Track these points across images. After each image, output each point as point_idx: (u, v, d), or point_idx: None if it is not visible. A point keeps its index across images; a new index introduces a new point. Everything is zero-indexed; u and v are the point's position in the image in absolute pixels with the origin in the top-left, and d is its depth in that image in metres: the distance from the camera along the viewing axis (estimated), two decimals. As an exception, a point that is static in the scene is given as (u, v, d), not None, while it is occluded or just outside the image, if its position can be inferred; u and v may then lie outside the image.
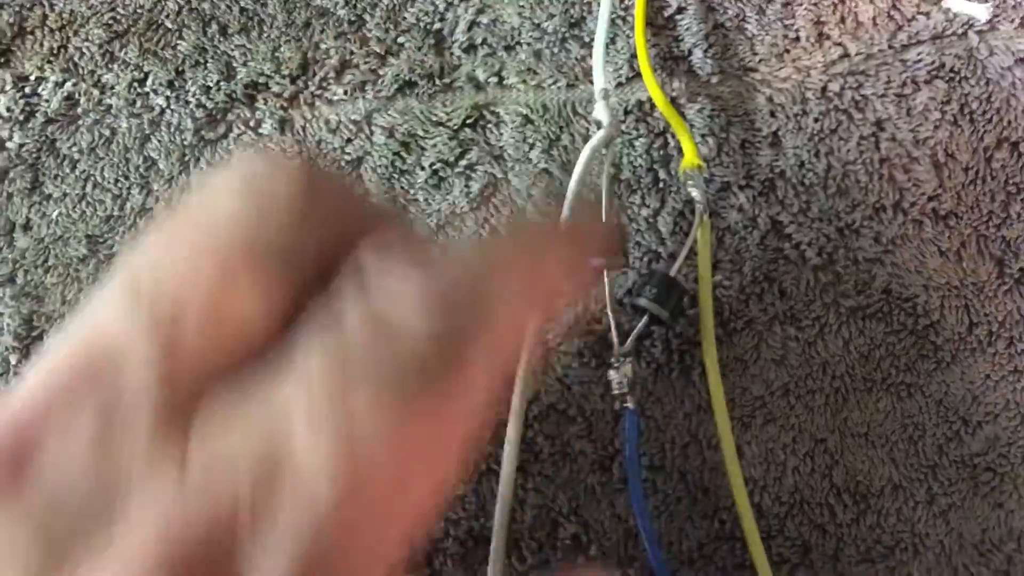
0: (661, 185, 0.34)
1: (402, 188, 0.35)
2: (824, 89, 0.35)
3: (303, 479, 0.15)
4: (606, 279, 0.32)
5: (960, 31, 0.36)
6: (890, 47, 0.36)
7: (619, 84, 0.36)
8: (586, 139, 0.35)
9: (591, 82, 0.36)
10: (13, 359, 0.33)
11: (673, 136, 0.35)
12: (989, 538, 0.31)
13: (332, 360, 0.16)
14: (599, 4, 0.36)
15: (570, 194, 0.31)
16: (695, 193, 0.33)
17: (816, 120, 0.35)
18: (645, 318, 0.31)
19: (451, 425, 0.18)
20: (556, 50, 0.36)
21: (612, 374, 0.31)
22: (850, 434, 0.32)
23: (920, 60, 0.35)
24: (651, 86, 0.34)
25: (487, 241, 0.23)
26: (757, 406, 0.32)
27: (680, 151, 0.34)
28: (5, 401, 0.16)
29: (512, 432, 0.29)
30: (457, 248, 0.22)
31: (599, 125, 0.33)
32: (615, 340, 0.31)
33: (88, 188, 0.35)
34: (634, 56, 0.36)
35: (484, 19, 0.37)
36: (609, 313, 0.31)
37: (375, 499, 0.16)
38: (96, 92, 0.36)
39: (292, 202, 0.18)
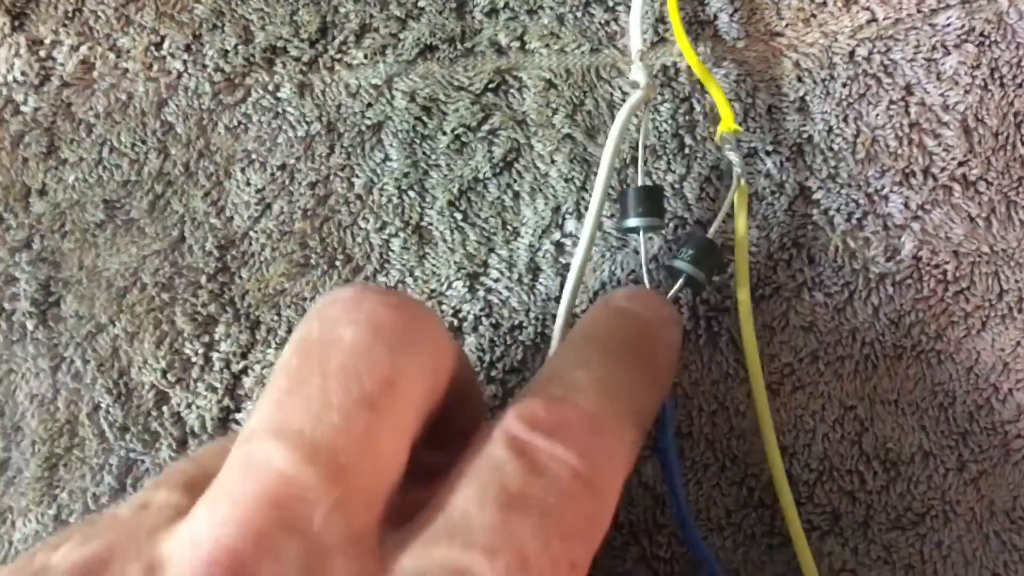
0: (687, 151, 0.34)
1: (423, 153, 0.34)
2: (852, 54, 0.35)
3: None
4: (642, 239, 0.31)
5: (990, -5, 0.35)
6: (919, 11, 0.35)
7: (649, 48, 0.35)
8: (610, 104, 0.35)
9: (615, 46, 0.35)
10: (30, 325, 0.33)
11: (699, 101, 0.34)
12: (1020, 505, 0.30)
13: (504, 501, 0.20)
14: (623, -33, 0.35)
15: (607, 155, 0.31)
16: (733, 157, 0.32)
17: (844, 85, 0.34)
18: (681, 280, 0.31)
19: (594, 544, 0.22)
20: (579, 14, 0.36)
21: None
22: (880, 401, 0.31)
23: (949, 24, 0.35)
24: (685, 48, 0.34)
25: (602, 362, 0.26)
26: (786, 373, 0.31)
27: (707, 116, 0.34)
28: (208, 549, 0.18)
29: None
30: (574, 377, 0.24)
31: (635, 86, 0.33)
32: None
33: (104, 153, 0.35)
34: (659, 20, 0.35)
35: (506, -18, 0.36)
36: (644, 274, 0.31)
37: None
38: (112, 56, 0.36)
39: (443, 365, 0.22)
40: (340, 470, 0.19)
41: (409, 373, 0.21)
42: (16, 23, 0.36)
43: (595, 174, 0.33)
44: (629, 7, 0.36)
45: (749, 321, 0.31)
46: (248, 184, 0.34)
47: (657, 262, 0.33)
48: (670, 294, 0.30)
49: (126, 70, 0.35)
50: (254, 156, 0.34)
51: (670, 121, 0.34)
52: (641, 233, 0.31)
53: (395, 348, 0.20)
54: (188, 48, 0.36)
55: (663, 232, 0.33)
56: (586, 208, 0.33)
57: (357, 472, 0.19)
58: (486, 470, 0.21)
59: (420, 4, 0.36)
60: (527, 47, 0.36)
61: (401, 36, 0.36)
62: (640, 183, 0.32)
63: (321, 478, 0.19)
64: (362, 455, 0.19)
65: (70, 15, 0.36)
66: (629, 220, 0.31)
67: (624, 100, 0.35)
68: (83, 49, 0.36)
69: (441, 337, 0.22)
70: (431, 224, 0.33)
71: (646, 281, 0.31)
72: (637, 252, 0.32)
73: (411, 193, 0.34)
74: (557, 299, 0.32)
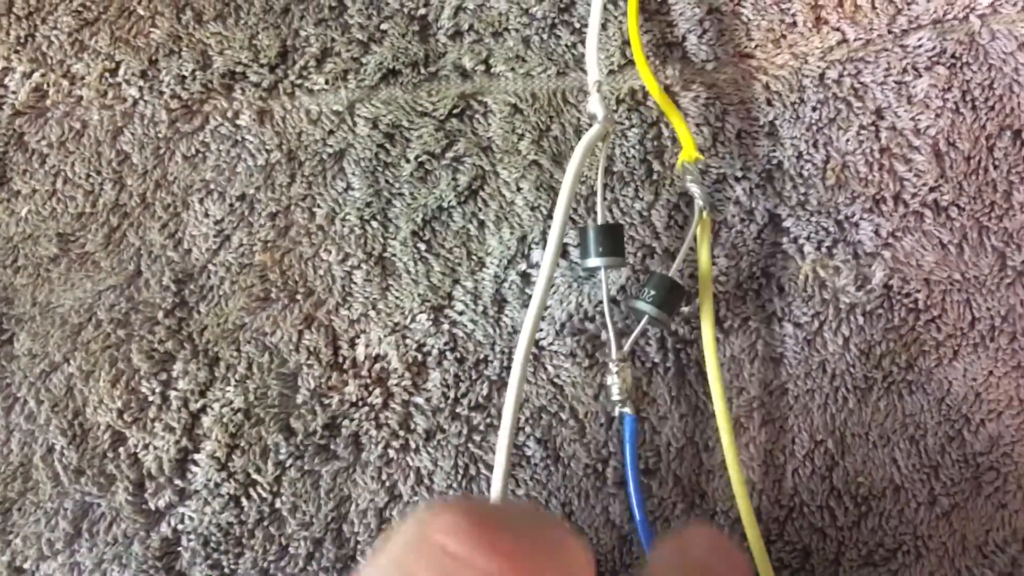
0: (655, 177, 0.33)
1: (387, 182, 0.33)
2: (822, 76, 0.34)
3: None
4: (603, 277, 0.31)
5: (961, 15, 0.34)
6: (890, 32, 0.34)
7: (610, 72, 0.35)
8: (577, 130, 0.34)
9: (582, 69, 0.35)
10: (-17, 364, 0.32)
11: (667, 125, 0.34)
12: (993, 539, 0.30)
13: None
14: (589, -12, 0.35)
15: (565, 190, 0.30)
16: (694, 189, 0.31)
17: (814, 109, 0.34)
18: (643, 322, 0.30)
19: None
20: (546, 36, 0.35)
21: (610, 379, 0.30)
22: (850, 434, 0.31)
23: (921, 45, 0.34)
24: (645, 74, 0.33)
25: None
26: (755, 407, 0.31)
27: (675, 141, 0.33)
28: None
29: (503, 437, 0.28)
30: None
31: (593, 119, 0.32)
32: (612, 342, 0.30)
33: (58, 184, 0.34)
34: (626, 43, 0.35)
35: (470, 4, 0.35)
36: (606, 315, 0.30)
37: None
38: (66, 83, 0.35)
39: None
40: None
41: None
42: (-34, 49, 0.35)
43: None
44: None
45: (714, 357, 0.30)
46: (206, 215, 0.33)
47: (625, 292, 0.32)
48: (630, 339, 0.30)
49: (80, 98, 0.35)
50: (212, 186, 0.34)
51: (638, 147, 0.33)
52: (603, 272, 0.30)
53: None
54: (144, 74, 0.35)
55: (626, 267, 0.32)
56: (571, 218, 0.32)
57: None
58: None
59: (383, 27, 0.35)
60: (492, 71, 0.35)
61: (363, 60, 0.35)
62: (600, 220, 0.31)
63: None
64: None
65: (22, 40, 0.35)
66: (590, 260, 0.30)
67: (592, 124, 0.34)
68: (36, 76, 0.35)
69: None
70: (394, 255, 0.33)
71: (608, 323, 0.30)
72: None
73: (374, 223, 0.33)
74: (523, 332, 0.32)
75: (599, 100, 0.32)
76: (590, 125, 0.34)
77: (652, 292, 0.30)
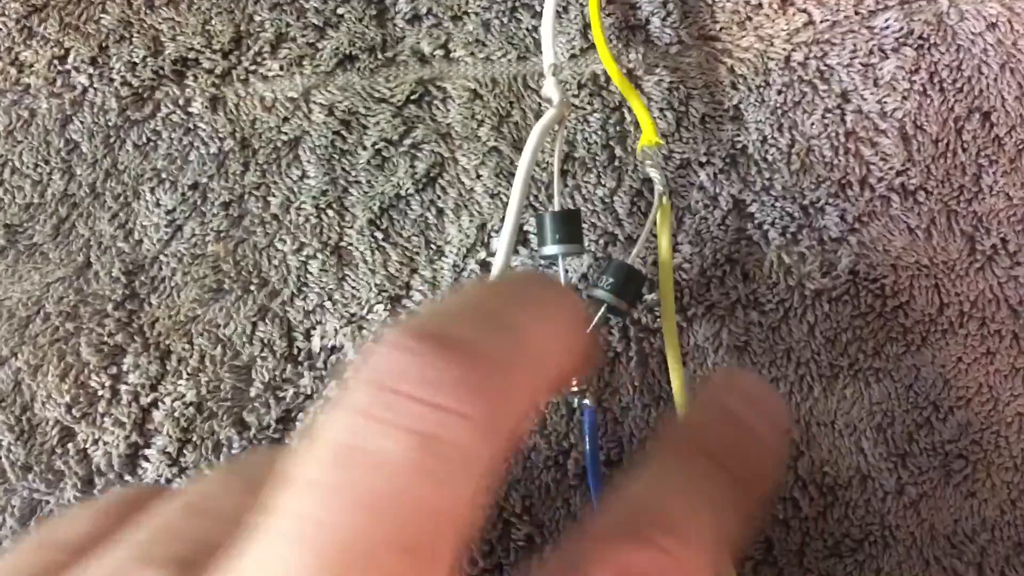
0: (617, 163, 0.32)
1: (343, 170, 0.33)
2: (788, 59, 0.33)
3: None
4: (561, 265, 0.30)
5: (929, -5, 0.34)
6: (856, 13, 0.34)
7: (572, 56, 0.34)
8: (538, 115, 0.33)
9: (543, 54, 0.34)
10: (-73, 359, 0.31)
11: (630, 111, 0.33)
12: (962, 529, 0.29)
13: None
14: (549, -30, 0.34)
15: (520, 176, 0.29)
16: (654, 174, 0.31)
17: (779, 92, 0.33)
18: (602, 309, 0.29)
19: None
20: (506, 20, 0.34)
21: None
22: (816, 423, 0.30)
23: (888, 27, 0.33)
24: (605, 58, 0.32)
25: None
26: (719, 395, 0.30)
27: (638, 127, 0.33)
28: None
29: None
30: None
31: (549, 103, 0.31)
32: (571, 330, 0.30)
33: (5, 174, 0.33)
34: (588, 26, 0.34)
35: (428, -12, 0.35)
36: None
37: None
38: (13, 70, 0.34)
39: None
40: None
41: (470, 489, 0.17)
42: (-89, 37, 0.34)
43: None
44: (558, 11, 0.34)
45: (675, 345, 0.29)
46: (158, 205, 0.32)
47: (587, 279, 0.31)
48: (590, 327, 0.29)
49: (28, 86, 0.34)
50: (164, 175, 0.33)
51: (600, 132, 0.33)
52: (560, 260, 0.30)
53: (456, 467, 0.17)
54: (94, 61, 0.34)
55: (587, 253, 0.31)
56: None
57: None
58: None
59: (339, 11, 0.34)
60: (451, 55, 0.34)
61: (319, 46, 0.34)
62: (557, 207, 0.30)
63: None
64: None
65: (-32, 28, 0.34)
66: (547, 248, 0.29)
67: (552, 110, 0.33)
68: (-18, 64, 0.34)
69: (540, 376, 0.19)
70: (351, 244, 0.32)
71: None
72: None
73: (330, 212, 0.32)
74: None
75: (554, 83, 0.31)
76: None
77: (610, 280, 0.29)
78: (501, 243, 0.29)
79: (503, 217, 0.32)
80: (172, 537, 0.19)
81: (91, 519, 0.20)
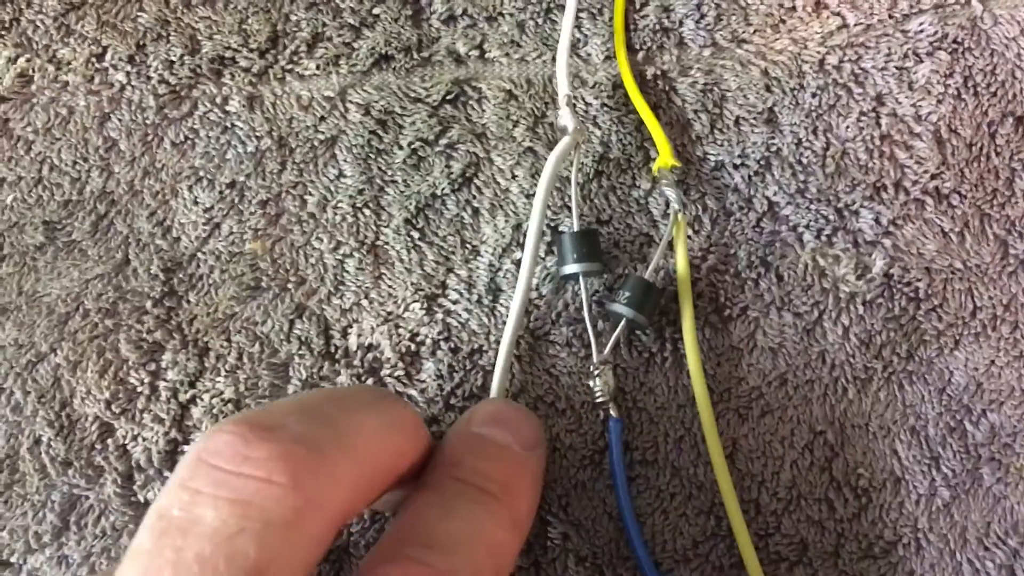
0: (652, 164, 0.33)
1: (379, 169, 0.33)
2: (822, 62, 0.33)
3: None
4: (582, 284, 0.30)
5: (963, 0, 0.34)
6: (890, 17, 0.34)
7: (607, 58, 0.34)
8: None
9: (577, 55, 0.34)
10: (-33, 354, 0.31)
11: (664, 111, 0.33)
12: (994, 531, 0.29)
13: None
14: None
15: (538, 204, 0.30)
16: (669, 193, 0.31)
17: (814, 95, 0.33)
18: (623, 323, 0.30)
19: None
20: (541, 21, 0.34)
21: (592, 383, 0.30)
22: (850, 425, 0.30)
23: (922, 31, 0.34)
24: (627, 80, 0.33)
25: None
26: (754, 397, 0.30)
27: (671, 128, 0.33)
28: None
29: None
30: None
31: (564, 131, 0.31)
32: (593, 346, 0.30)
33: (44, 171, 0.33)
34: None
35: (464, -12, 0.35)
36: (586, 320, 0.30)
37: None
38: (51, 68, 0.34)
39: None
40: None
41: (286, 555, 0.19)
42: (-50, 34, 0.34)
43: (557, 189, 0.32)
44: (593, 13, 0.34)
45: (696, 359, 0.30)
46: (196, 203, 0.33)
47: (608, 298, 0.31)
48: (610, 342, 0.30)
49: (66, 83, 0.34)
50: (202, 173, 0.33)
51: (635, 133, 0.33)
52: (580, 279, 0.30)
53: (266, 531, 0.18)
54: (131, 59, 0.34)
55: (606, 273, 0.32)
56: (548, 225, 0.32)
57: None
58: None
59: (375, 11, 0.34)
60: (486, 56, 0.34)
61: (355, 45, 0.34)
62: (576, 227, 0.31)
63: None
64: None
65: (7, 25, 0.34)
66: (567, 267, 0.30)
67: (587, 110, 0.33)
68: (21, 61, 0.34)
69: (353, 465, 0.21)
70: (387, 243, 0.32)
71: (589, 327, 0.30)
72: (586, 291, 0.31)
73: (366, 211, 0.32)
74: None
75: (569, 113, 0.31)
76: (585, 111, 0.33)
77: (627, 294, 0.29)
78: (522, 271, 0.29)
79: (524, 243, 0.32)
80: None
81: None
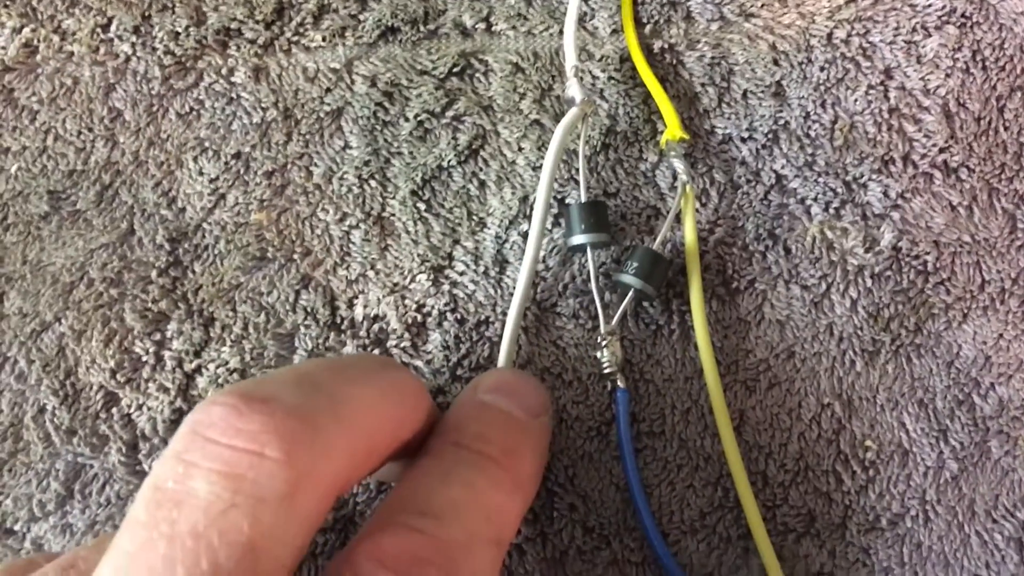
0: (659, 137, 0.32)
1: (385, 141, 0.33)
2: (830, 36, 0.33)
3: None
4: (590, 255, 0.30)
5: (972, -25, 0.34)
6: (899, -9, 0.34)
7: (614, 31, 0.34)
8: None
9: (584, 28, 0.34)
10: (-29, 323, 0.31)
11: (671, 84, 0.33)
12: (1003, 504, 0.29)
13: None
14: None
15: (546, 174, 0.29)
16: (678, 164, 0.31)
17: (822, 69, 0.33)
18: (631, 293, 0.30)
19: None
20: (547, -6, 0.34)
21: (599, 353, 0.30)
22: (857, 398, 0.30)
23: (930, 5, 0.33)
24: (635, 52, 0.33)
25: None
26: (761, 370, 0.30)
27: (679, 100, 0.33)
28: None
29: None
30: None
31: (571, 103, 0.31)
32: (601, 317, 0.30)
33: (49, 141, 0.33)
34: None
35: (471, -39, 0.35)
36: (594, 290, 0.30)
37: None
38: (56, 38, 0.34)
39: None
40: None
41: (279, 530, 0.19)
42: (-46, 3, 0.34)
43: (564, 162, 0.32)
44: (599, -13, 0.34)
45: (705, 332, 0.30)
46: (201, 173, 0.32)
47: (616, 269, 0.31)
48: (618, 313, 0.29)
49: (71, 54, 0.34)
50: (207, 144, 0.33)
51: (642, 106, 0.33)
52: (588, 250, 0.30)
53: (259, 505, 0.18)
54: (137, 30, 0.34)
55: (613, 245, 0.31)
56: (556, 197, 0.32)
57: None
58: None
59: (381, -17, 0.34)
60: (493, 29, 0.34)
61: (361, 17, 0.34)
62: (583, 198, 0.31)
63: None
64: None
65: (12, -5, 0.34)
66: (575, 238, 0.30)
67: (594, 84, 0.33)
68: (26, 31, 0.34)
69: (349, 437, 0.21)
70: (393, 215, 0.32)
71: (596, 298, 0.30)
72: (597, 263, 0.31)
73: (372, 182, 0.32)
74: (524, 293, 0.31)
75: (577, 84, 0.31)
76: (592, 85, 0.33)
77: (635, 265, 0.29)
78: (530, 242, 0.29)
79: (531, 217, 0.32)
80: None
81: None
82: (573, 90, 0.31)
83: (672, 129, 0.31)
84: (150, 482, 0.19)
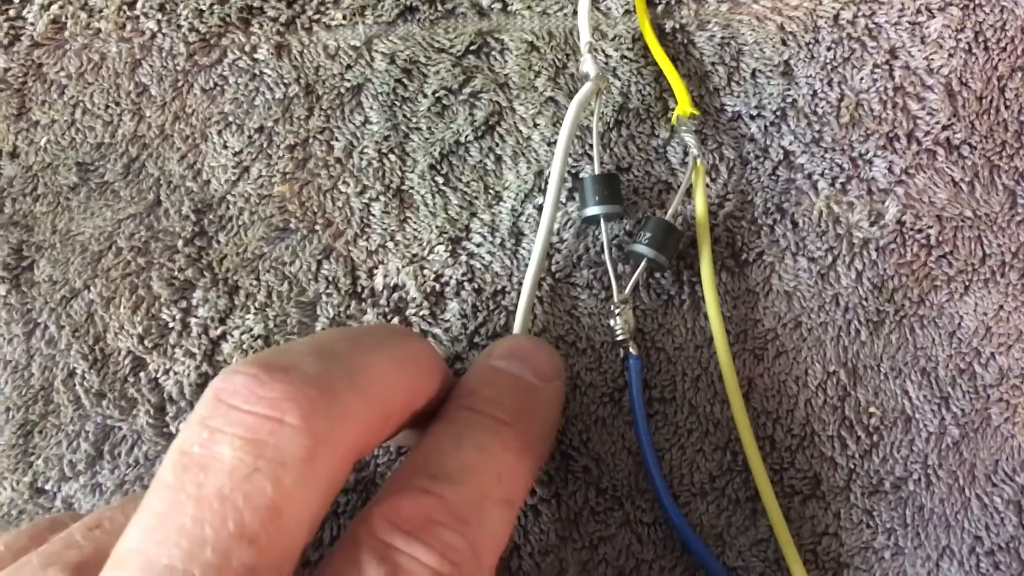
0: (670, 115, 0.33)
1: (404, 116, 0.34)
2: (837, 17, 0.34)
3: None
4: (603, 226, 0.31)
5: (975, -42, 0.35)
6: (904, -26, 0.35)
7: (626, 11, 0.35)
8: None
9: (598, 8, 0.35)
10: (2, 290, 0.32)
11: (683, 63, 0.34)
12: (1002, 468, 0.30)
13: None
14: (607, -73, 0.35)
15: (561, 147, 0.30)
16: (689, 139, 0.32)
17: (829, 48, 0.34)
18: (643, 263, 0.31)
19: None
20: (562, -25, 0.35)
21: (613, 321, 0.31)
22: (862, 366, 0.31)
23: (935, -13, 0.34)
24: (646, 31, 0.33)
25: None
26: (769, 339, 0.31)
27: (690, 78, 0.34)
28: None
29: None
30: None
31: (586, 78, 0.32)
32: (614, 286, 0.31)
33: (77, 114, 0.34)
34: (642, -19, 0.35)
35: (487, -58, 0.35)
36: (607, 260, 0.31)
37: None
38: (84, 15, 0.35)
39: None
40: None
41: (300, 493, 0.20)
42: (-16, -19, 0.35)
43: (578, 137, 0.33)
44: (612, -32, 0.35)
45: (715, 302, 0.30)
46: (225, 147, 0.33)
47: (628, 235, 0.32)
48: (631, 282, 0.30)
49: (98, 30, 0.35)
50: (231, 118, 0.34)
51: (653, 84, 0.34)
52: (601, 221, 0.31)
53: (281, 470, 0.19)
54: (162, 7, 0.35)
55: (625, 217, 0.32)
56: (570, 172, 0.33)
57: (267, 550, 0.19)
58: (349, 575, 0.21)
59: (400, -36, 0.35)
60: (509, 8, 0.35)
61: (381, -3, 0.35)
62: (597, 170, 0.32)
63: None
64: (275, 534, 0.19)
65: (40, -27, 0.35)
66: (588, 209, 0.31)
67: (607, 62, 0.34)
68: (54, 8, 0.35)
69: (366, 402, 0.22)
70: (412, 188, 0.33)
71: (609, 268, 0.31)
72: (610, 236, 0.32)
73: (392, 156, 0.33)
74: (540, 264, 0.32)
75: (591, 60, 0.32)
76: (605, 64, 0.34)
77: (648, 235, 0.30)
78: (545, 212, 0.30)
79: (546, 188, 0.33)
80: (72, 547, 0.22)
81: (15, 539, 0.24)
82: (587, 66, 0.32)
83: (683, 105, 0.32)
84: (176, 446, 0.20)
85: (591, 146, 0.32)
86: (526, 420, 0.26)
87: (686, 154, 0.33)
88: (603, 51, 0.34)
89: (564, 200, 0.33)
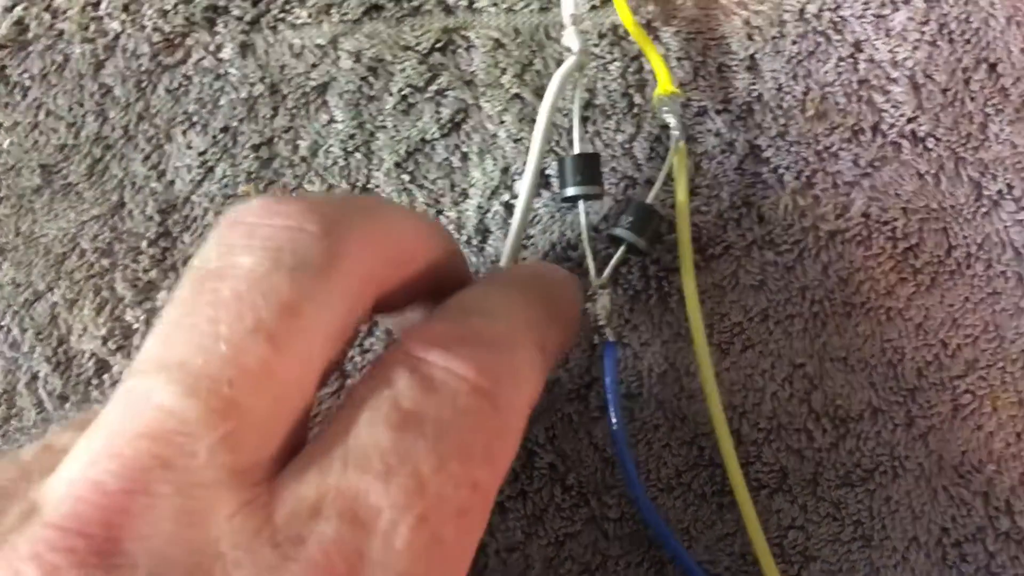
0: (636, 110, 0.33)
1: (370, 115, 0.33)
2: (802, 11, 0.34)
3: (386, 533, 0.18)
4: (581, 207, 0.31)
5: (939, -49, 0.35)
6: (868, -33, 0.35)
7: (593, 7, 0.35)
8: (559, 63, 0.34)
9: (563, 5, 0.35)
10: (-34, 293, 0.32)
11: (648, 61, 0.34)
12: (969, 460, 0.30)
13: (396, 421, 0.19)
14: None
15: (541, 122, 0.30)
16: (670, 119, 0.32)
17: (794, 43, 0.34)
18: (622, 247, 0.30)
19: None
20: (527, -28, 0.35)
21: (589, 306, 0.30)
22: (829, 359, 0.31)
23: (899, -20, 0.34)
24: (622, 10, 0.33)
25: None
26: (735, 332, 0.31)
27: (655, 76, 0.34)
28: (78, 487, 0.17)
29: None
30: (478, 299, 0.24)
31: (569, 51, 0.32)
32: (592, 270, 0.31)
33: (41, 116, 0.34)
34: (608, -23, 0.35)
35: (452, -61, 0.35)
36: (585, 242, 0.31)
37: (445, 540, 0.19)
38: (47, 16, 0.35)
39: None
40: (227, 403, 0.18)
41: (319, 297, 0.19)
42: (-54, -17, 0.35)
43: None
44: (578, -35, 0.35)
45: (692, 285, 0.30)
46: (189, 147, 0.33)
47: (607, 222, 0.32)
48: (610, 265, 0.30)
49: (62, 31, 0.34)
50: (195, 118, 0.34)
51: (619, 80, 0.34)
52: (580, 202, 0.31)
53: (299, 271, 0.19)
54: (126, 8, 0.35)
55: (604, 197, 0.32)
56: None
57: (248, 405, 0.18)
58: (380, 391, 0.20)
59: (365, -38, 0.35)
60: (475, 5, 0.35)
61: (346, -5, 0.35)
62: (577, 151, 0.31)
63: (204, 411, 0.17)
64: (255, 387, 0.18)
65: (2, -26, 0.35)
66: (567, 190, 0.31)
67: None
68: (17, 10, 0.35)
69: (378, 234, 0.21)
70: (378, 187, 0.33)
71: (587, 250, 0.30)
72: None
73: (357, 155, 0.33)
74: (506, 261, 0.32)
75: (575, 32, 0.32)
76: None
77: (630, 219, 0.30)
78: (523, 187, 0.30)
79: (526, 161, 0.33)
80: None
81: None
82: (570, 39, 0.32)
83: (664, 84, 0.32)
84: (193, 264, 0.20)
85: (569, 130, 0.32)
86: (548, 300, 0.26)
87: (652, 149, 0.33)
88: (563, 45, 0.34)
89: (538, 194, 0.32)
